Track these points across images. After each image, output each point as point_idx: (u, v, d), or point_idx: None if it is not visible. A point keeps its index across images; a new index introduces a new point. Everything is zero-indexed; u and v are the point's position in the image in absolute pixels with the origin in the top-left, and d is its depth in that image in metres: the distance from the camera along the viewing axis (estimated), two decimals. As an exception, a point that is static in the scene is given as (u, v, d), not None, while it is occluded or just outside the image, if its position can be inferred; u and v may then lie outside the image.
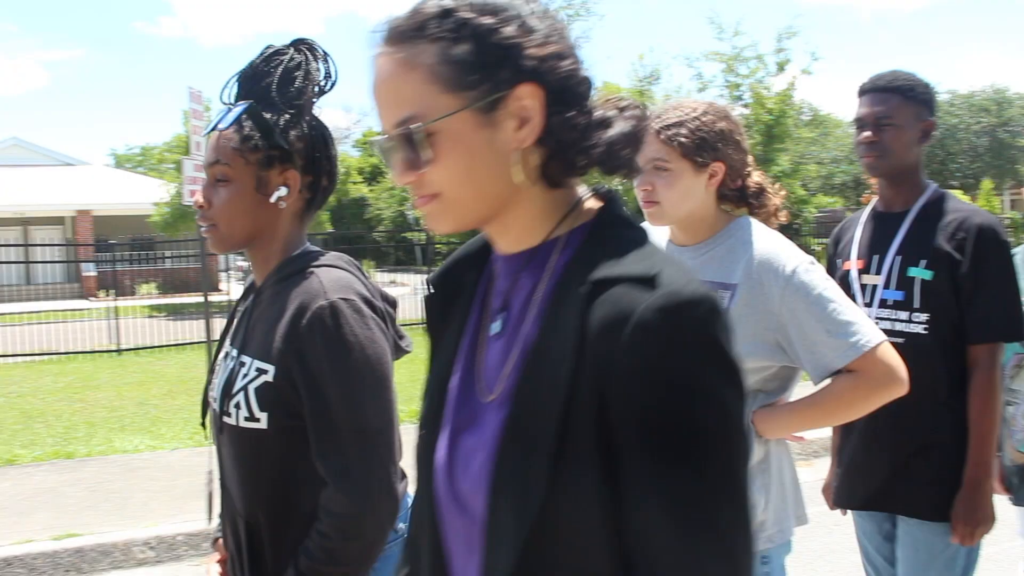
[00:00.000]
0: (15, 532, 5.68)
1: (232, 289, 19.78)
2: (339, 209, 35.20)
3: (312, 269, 1.81)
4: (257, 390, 1.77)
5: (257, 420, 1.76)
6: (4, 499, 6.45)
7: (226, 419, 1.83)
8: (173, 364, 14.26)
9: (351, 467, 1.69)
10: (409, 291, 20.52)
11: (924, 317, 2.64)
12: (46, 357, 15.39)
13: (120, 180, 40.15)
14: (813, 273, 2.07)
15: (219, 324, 17.13)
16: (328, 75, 1.91)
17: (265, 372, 1.76)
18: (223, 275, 26.75)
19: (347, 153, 41.35)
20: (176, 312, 23.02)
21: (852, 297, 2.78)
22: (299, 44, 1.90)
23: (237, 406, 1.79)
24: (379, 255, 39.76)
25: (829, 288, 2.07)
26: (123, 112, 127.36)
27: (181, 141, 26.47)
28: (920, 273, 2.63)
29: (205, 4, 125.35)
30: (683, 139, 2.13)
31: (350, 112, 47.78)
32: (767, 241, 2.13)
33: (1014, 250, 2.86)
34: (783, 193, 2.34)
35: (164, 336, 17.27)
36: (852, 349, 2.03)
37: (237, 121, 1.82)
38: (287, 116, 1.85)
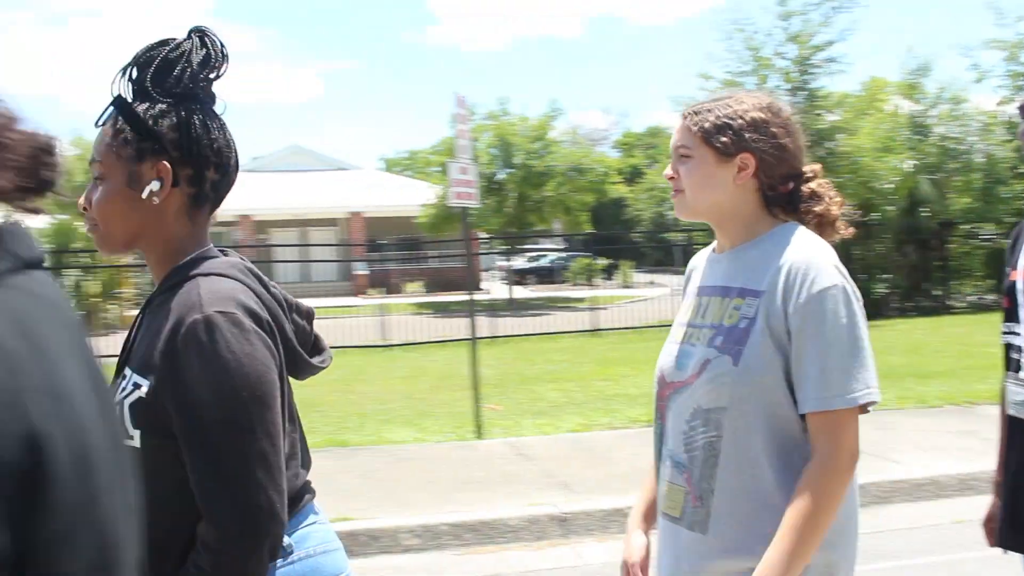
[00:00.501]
0: (295, 513, 6.00)
1: (493, 289, 20.29)
2: (598, 209, 35.48)
3: (196, 278, 1.67)
4: (131, 406, 1.63)
5: (131, 438, 1.62)
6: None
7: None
8: (438, 360, 14.77)
9: (226, 495, 1.56)
10: (667, 292, 20.32)
11: None
12: (322, 350, 16.32)
13: (389, 183, 42.34)
14: (840, 300, 1.85)
15: (484, 322, 17.56)
16: (213, 63, 1.77)
17: (140, 387, 1.62)
18: (485, 275, 27.54)
19: (605, 154, 41.49)
20: (441, 310, 23.90)
21: (1015, 311, 2.45)
22: (192, 33, 1.77)
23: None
24: (638, 255, 39.66)
25: (851, 324, 1.85)
26: (392, 118, 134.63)
27: (447, 144, 27.47)
28: None
29: (468, 12, 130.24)
30: (706, 124, 2.00)
31: (609, 114, 47.96)
32: (804, 250, 1.92)
33: None
34: (839, 201, 2.07)
35: (430, 333, 17.95)
36: (820, 401, 1.82)
37: (113, 116, 1.72)
38: (161, 106, 1.71)
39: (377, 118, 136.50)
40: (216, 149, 1.77)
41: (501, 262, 34.56)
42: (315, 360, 1.91)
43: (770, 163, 1.99)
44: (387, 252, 30.59)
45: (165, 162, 1.72)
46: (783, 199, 2.03)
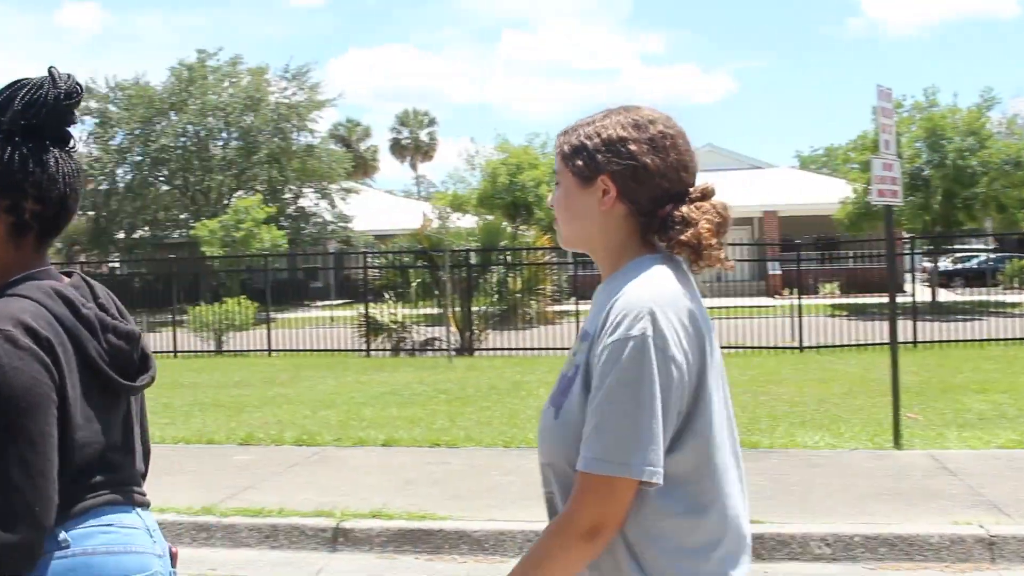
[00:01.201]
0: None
1: (915, 291, 19.08)
2: None
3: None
4: None
5: None
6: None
7: None
8: (854, 364, 14.21)
9: None
10: None
11: None
12: (733, 351, 16.37)
13: (805, 181, 41.23)
14: (636, 353, 1.60)
15: (905, 326, 16.49)
16: (58, 102, 1.87)
17: None
18: (906, 276, 25.97)
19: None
20: (858, 312, 22.90)
21: None
22: (49, 72, 1.90)
23: None
24: None
25: (639, 382, 1.60)
26: (807, 115, 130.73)
27: (866, 140, 26.20)
28: None
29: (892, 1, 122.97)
30: (566, 147, 1.81)
31: None
32: (633, 289, 1.68)
33: None
34: (710, 228, 1.73)
35: (845, 336, 17.31)
36: (583, 461, 1.62)
37: None
38: None
39: (792, 115, 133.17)
40: (34, 182, 1.87)
41: (925, 263, 32.38)
42: (136, 380, 1.99)
43: (631, 186, 1.76)
44: (802, 252, 29.85)
45: None
46: (659, 225, 1.77)
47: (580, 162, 1.80)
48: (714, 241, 1.74)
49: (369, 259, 23.10)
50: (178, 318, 20.06)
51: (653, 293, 1.68)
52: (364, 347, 17.87)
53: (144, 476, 2.17)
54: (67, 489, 1.84)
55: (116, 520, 1.94)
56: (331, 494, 6.50)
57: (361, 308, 18.92)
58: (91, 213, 39.19)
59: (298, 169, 39.12)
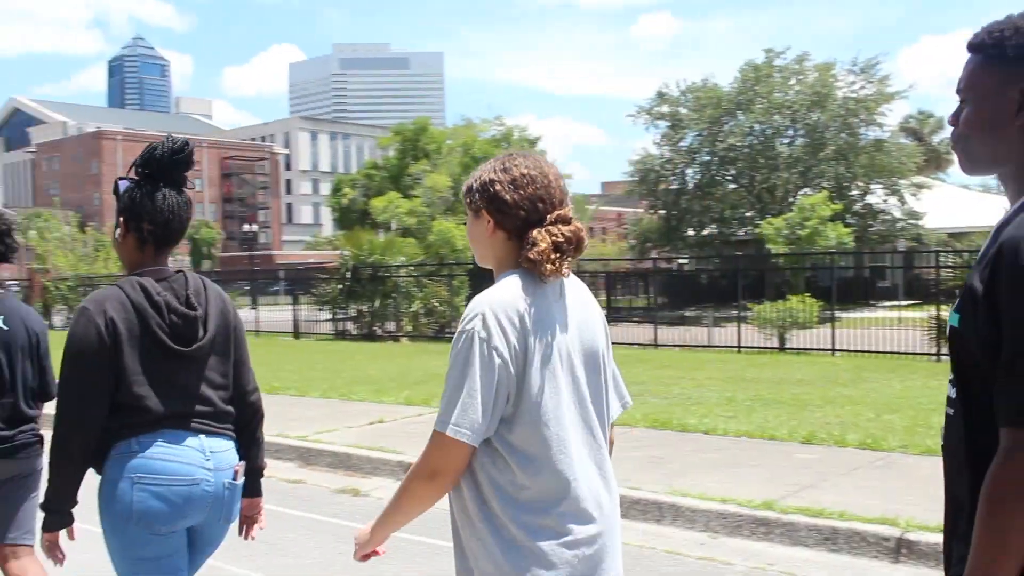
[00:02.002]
0: None
1: None
2: None
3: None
4: None
5: None
6: None
7: None
8: None
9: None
10: None
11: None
12: None
13: None
14: (464, 342, 2.17)
15: None
16: (154, 157, 3.08)
17: None
18: None
19: None
20: None
21: None
22: (168, 139, 3.08)
23: None
24: None
25: (465, 363, 2.15)
26: None
27: None
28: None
29: None
30: (463, 188, 2.42)
31: None
32: (479, 296, 2.24)
33: None
34: (542, 249, 2.22)
35: None
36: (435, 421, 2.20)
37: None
38: (127, 183, 3.11)
39: None
40: (148, 212, 3.06)
41: None
42: (188, 348, 3.04)
43: (498, 216, 2.29)
44: None
45: (121, 217, 3.12)
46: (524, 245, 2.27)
47: (468, 199, 2.38)
48: (553, 256, 2.22)
49: (941, 258, 21.71)
50: (742, 314, 20.55)
51: (490, 298, 2.22)
52: (934, 351, 16.81)
53: (249, 426, 3.24)
54: (131, 415, 2.95)
55: (174, 438, 2.97)
56: (895, 502, 6.22)
57: (931, 310, 17.85)
58: (662, 212, 41.67)
59: (866, 165, 37.89)
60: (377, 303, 24.41)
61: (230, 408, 3.14)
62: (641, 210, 47.00)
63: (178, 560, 3.08)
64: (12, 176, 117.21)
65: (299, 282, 27.77)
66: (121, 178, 3.13)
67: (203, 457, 2.99)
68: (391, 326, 24.53)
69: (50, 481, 2.99)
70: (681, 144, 40.98)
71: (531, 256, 2.22)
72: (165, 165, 3.08)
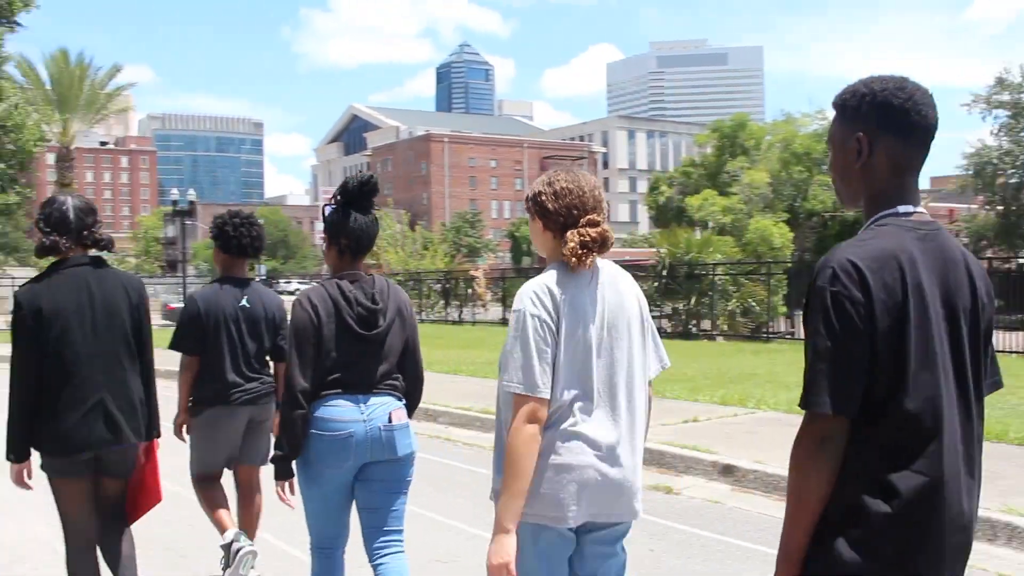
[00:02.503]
0: None
1: None
2: None
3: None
4: None
5: None
6: None
7: None
8: None
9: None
10: None
11: None
12: None
13: None
14: (516, 319, 2.85)
15: None
16: (347, 188, 4.11)
17: None
18: None
19: None
20: None
21: None
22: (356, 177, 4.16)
23: None
24: None
25: (517, 336, 2.83)
26: None
27: None
28: None
29: None
30: (525, 197, 3.19)
31: None
32: (527, 283, 2.94)
33: None
34: (571, 247, 2.88)
35: None
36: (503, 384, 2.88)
37: None
38: (331, 207, 4.19)
39: None
40: (344, 229, 4.01)
41: None
42: (369, 332, 3.98)
43: (545, 220, 2.99)
44: None
45: (326, 234, 4.10)
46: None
47: (527, 206, 3.08)
48: (580, 252, 2.86)
49: None
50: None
51: (533, 283, 2.89)
52: None
53: (412, 392, 4.17)
54: (322, 379, 3.88)
55: (343, 399, 3.91)
56: None
57: None
58: (1000, 208, 38.20)
59: None
60: (693, 301, 24.24)
61: (397, 376, 4.08)
62: (975, 206, 43.45)
63: (344, 498, 4.01)
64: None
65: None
66: (326, 204, 4.10)
67: (360, 412, 3.90)
68: (706, 324, 24.29)
69: (283, 428, 3.91)
70: (1023, 134, 37.36)
71: (564, 252, 2.90)
72: (356, 194, 4.04)
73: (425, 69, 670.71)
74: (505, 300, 31.98)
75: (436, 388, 10.22)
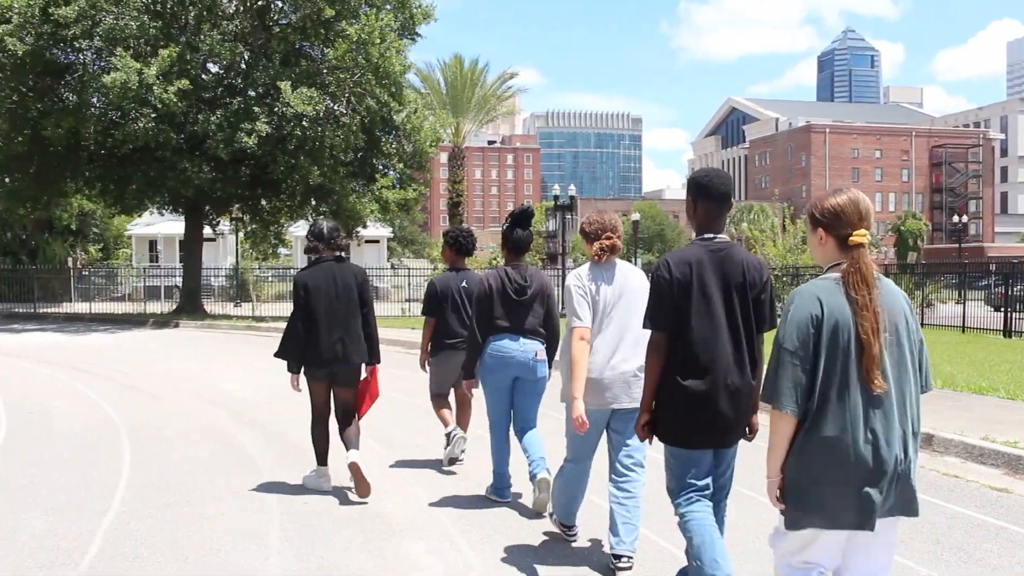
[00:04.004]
0: None
1: None
2: None
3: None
4: None
5: None
6: None
7: None
8: None
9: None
10: None
11: None
12: None
13: None
14: (567, 291, 5.23)
15: None
16: (522, 214, 6.58)
17: None
18: None
19: None
20: None
21: None
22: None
23: None
24: None
25: (569, 300, 5.20)
26: None
27: None
28: None
29: None
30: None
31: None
32: (570, 274, 5.33)
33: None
34: (596, 251, 5.24)
35: None
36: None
37: None
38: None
39: None
40: (508, 239, 6.54)
41: None
42: (520, 299, 6.41)
43: (585, 237, 5.31)
44: None
45: (503, 240, 6.83)
46: None
47: (580, 233, 5.40)
48: (599, 253, 5.21)
49: None
50: None
51: (575, 272, 5.25)
52: None
53: (546, 335, 6.49)
54: (490, 323, 6.38)
55: (507, 337, 6.37)
56: None
57: None
58: None
59: None
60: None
61: (541, 327, 6.45)
62: None
63: (506, 394, 6.46)
64: (728, 170, 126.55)
65: (1014, 277, 25.44)
66: (504, 221, 6.52)
67: (519, 347, 6.34)
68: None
69: (468, 352, 6.50)
70: None
71: (591, 255, 5.22)
72: (518, 218, 6.49)
73: (806, 58, 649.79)
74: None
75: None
